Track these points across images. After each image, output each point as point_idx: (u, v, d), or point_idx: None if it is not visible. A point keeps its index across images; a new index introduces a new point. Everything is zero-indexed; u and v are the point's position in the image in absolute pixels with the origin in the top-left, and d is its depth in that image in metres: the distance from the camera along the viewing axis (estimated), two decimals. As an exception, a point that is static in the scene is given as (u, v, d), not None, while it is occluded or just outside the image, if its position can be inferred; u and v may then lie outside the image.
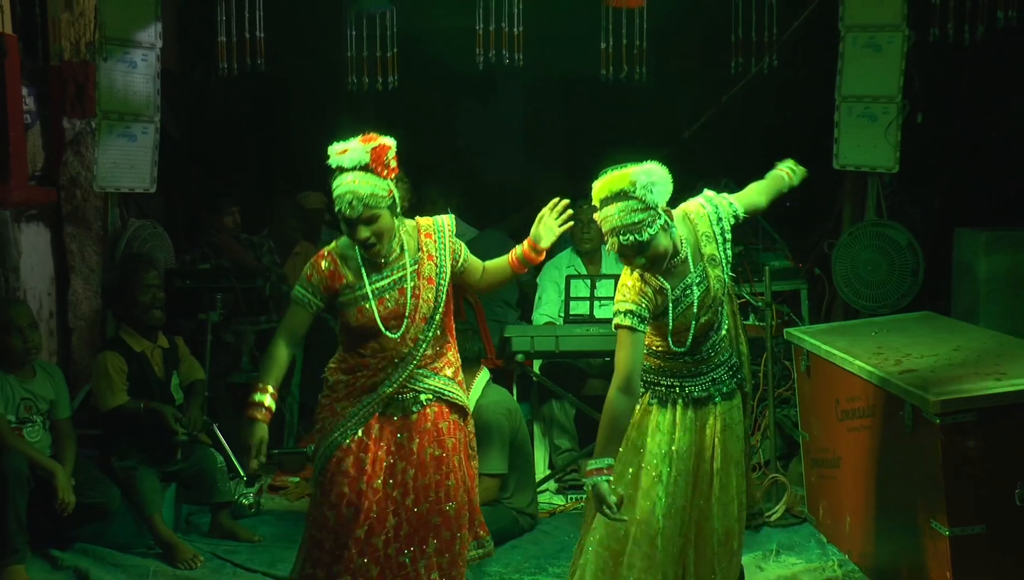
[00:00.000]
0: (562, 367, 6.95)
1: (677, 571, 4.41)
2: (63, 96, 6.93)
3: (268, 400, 4.48)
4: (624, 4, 6.83)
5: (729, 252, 4.41)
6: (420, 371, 4.55)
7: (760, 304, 6.56)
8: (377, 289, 4.49)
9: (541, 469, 6.75)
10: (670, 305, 4.30)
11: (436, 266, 4.57)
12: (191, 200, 8.15)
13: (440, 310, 4.56)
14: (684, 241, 4.33)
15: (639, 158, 4.23)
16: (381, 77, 6.94)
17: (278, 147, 9.02)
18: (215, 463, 6.15)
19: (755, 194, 4.58)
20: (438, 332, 4.57)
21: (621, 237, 4.16)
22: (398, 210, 4.49)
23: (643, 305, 4.28)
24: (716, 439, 4.46)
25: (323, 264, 4.53)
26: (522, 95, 9.57)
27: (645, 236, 4.15)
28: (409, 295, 4.49)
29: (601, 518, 4.30)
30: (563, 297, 7.05)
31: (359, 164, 4.37)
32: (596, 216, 4.26)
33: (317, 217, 8.27)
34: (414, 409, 4.55)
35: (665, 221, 4.21)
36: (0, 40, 6.40)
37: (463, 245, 4.69)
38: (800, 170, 4.69)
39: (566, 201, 4.63)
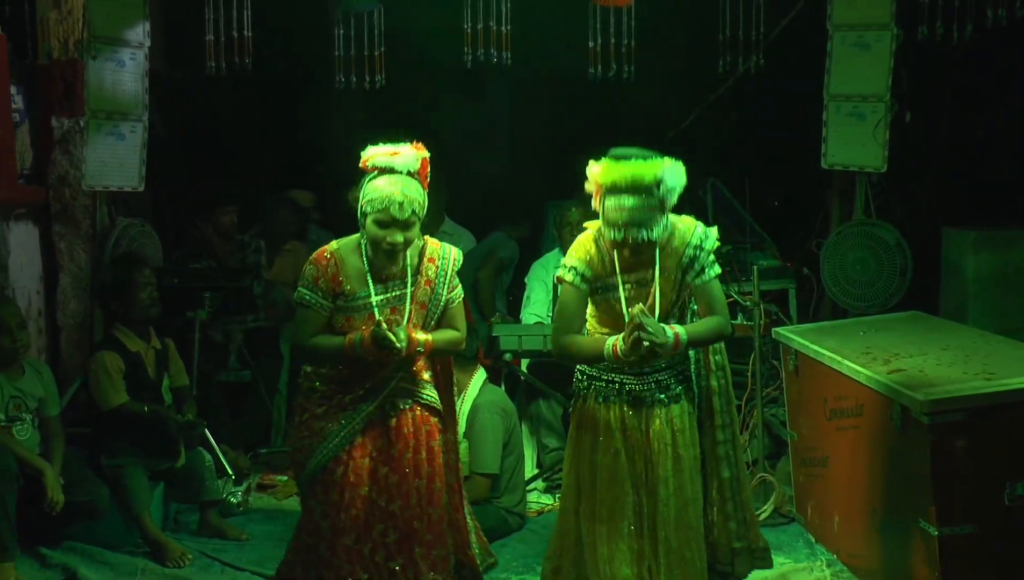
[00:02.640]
0: (550, 366, 6.93)
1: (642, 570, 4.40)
2: (52, 95, 6.89)
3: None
4: (612, 3, 6.80)
5: (695, 276, 4.36)
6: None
7: (748, 303, 6.56)
8: (379, 302, 4.41)
9: (529, 468, 6.76)
10: (620, 285, 4.33)
11: (432, 293, 4.49)
12: (184, 199, 8.12)
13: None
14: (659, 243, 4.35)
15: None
16: (368, 76, 6.94)
17: (267, 146, 8.99)
18: (203, 462, 6.15)
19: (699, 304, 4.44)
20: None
21: (630, 229, 4.17)
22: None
23: (586, 266, 4.36)
24: (664, 443, 4.40)
25: (325, 264, 4.40)
26: (510, 94, 9.54)
27: (655, 235, 4.20)
28: (406, 318, 4.41)
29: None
30: (551, 296, 7.05)
31: (409, 169, 4.34)
32: (609, 201, 4.20)
33: (305, 216, 8.26)
34: (392, 414, 4.49)
35: (667, 222, 4.28)
36: (-11, 39, 6.39)
37: (460, 289, 4.60)
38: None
39: None
